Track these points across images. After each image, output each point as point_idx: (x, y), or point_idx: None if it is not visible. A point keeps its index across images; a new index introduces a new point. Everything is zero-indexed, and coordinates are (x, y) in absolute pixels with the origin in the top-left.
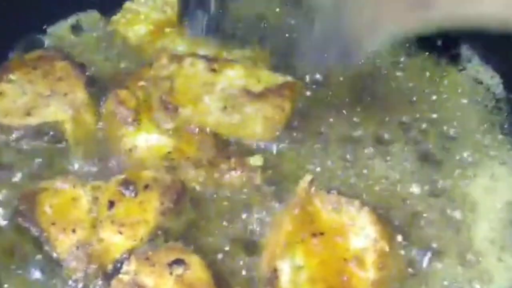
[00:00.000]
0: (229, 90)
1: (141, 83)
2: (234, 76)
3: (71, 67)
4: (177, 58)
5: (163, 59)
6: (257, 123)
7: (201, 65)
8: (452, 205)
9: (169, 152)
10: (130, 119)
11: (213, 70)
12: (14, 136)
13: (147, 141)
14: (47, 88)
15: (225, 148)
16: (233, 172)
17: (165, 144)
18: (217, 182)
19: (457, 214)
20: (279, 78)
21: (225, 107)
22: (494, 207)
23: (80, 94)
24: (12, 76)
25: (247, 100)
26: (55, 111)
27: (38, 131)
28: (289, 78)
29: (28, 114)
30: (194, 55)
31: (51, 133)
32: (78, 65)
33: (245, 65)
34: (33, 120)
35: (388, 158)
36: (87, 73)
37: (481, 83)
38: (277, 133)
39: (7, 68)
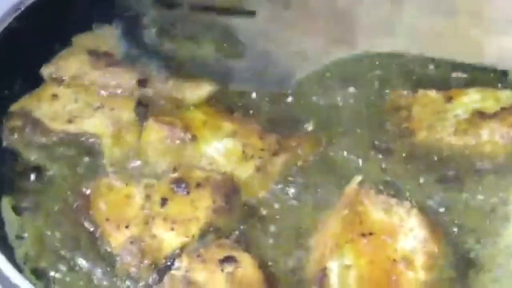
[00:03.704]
0: (462, 116)
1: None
2: (468, 101)
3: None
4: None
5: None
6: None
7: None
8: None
9: (243, 152)
10: (189, 135)
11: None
12: (52, 140)
13: (217, 149)
14: (98, 100)
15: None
16: (304, 142)
17: (234, 145)
18: (296, 158)
19: None
20: None
21: (455, 131)
22: None
23: (128, 112)
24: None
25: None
26: (97, 124)
27: (74, 140)
28: None
29: (70, 121)
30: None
31: (89, 142)
32: (138, 82)
33: (481, 88)
34: (72, 128)
35: None
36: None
37: None
38: None
39: None
